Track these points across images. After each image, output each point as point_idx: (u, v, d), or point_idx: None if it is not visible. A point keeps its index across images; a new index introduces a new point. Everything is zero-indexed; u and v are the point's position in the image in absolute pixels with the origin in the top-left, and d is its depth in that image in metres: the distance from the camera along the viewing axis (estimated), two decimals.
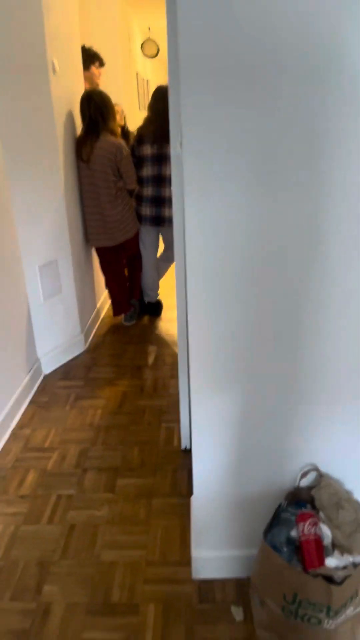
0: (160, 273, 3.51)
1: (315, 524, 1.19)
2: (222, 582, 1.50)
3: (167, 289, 3.69)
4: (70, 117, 2.78)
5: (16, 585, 1.51)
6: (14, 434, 2.23)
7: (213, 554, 1.48)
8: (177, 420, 2.28)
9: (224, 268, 1.13)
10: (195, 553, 1.49)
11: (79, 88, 2.99)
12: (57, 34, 2.53)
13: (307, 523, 1.19)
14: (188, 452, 2.07)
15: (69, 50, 2.77)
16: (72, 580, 1.52)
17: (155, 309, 3.55)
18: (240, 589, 1.48)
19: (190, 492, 1.85)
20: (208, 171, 1.04)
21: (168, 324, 3.42)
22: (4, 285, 2.27)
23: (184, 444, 2.09)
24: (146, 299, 3.54)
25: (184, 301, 1.81)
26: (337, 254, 1.10)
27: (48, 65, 2.39)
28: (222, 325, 1.20)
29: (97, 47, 3.50)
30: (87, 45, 3.23)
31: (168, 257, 3.47)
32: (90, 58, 3.20)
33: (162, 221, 3.12)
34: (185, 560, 1.57)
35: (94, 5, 4.27)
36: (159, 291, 3.57)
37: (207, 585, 1.49)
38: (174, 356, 2.94)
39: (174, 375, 2.71)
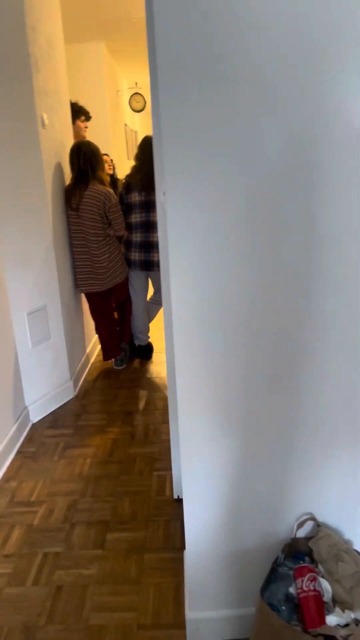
0: (150, 316, 3.51)
1: (314, 579, 1.13)
2: None
3: (157, 332, 3.68)
4: (59, 167, 2.84)
5: None
6: None
7: (209, 614, 1.40)
8: (169, 468, 2.21)
9: (210, 314, 1.12)
10: (189, 614, 1.40)
11: (68, 140, 3.08)
12: (46, 90, 2.63)
13: (306, 578, 1.13)
14: (181, 502, 1.99)
15: (58, 105, 2.87)
16: None
17: (146, 352, 3.53)
18: None
19: (184, 545, 1.77)
20: (191, 222, 1.05)
21: (159, 366, 3.39)
22: None
23: (177, 492, 2.02)
24: (137, 342, 3.52)
25: (172, 345, 1.79)
26: (329, 294, 1.10)
27: (37, 120, 2.47)
28: (210, 372, 1.17)
29: (86, 102, 3.64)
30: (74, 100, 3.36)
31: (157, 300, 3.48)
32: (75, 113, 3.32)
33: (151, 265, 3.14)
34: (180, 622, 1.48)
35: (82, 62, 4.48)
36: (150, 334, 3.56)
37: None
38: (166, 400, 2.89)
39: (166, 421, 2.65)
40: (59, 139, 2.86)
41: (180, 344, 1.16)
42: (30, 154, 2.47)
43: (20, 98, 2.36)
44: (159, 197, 1.54)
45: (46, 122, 2.60)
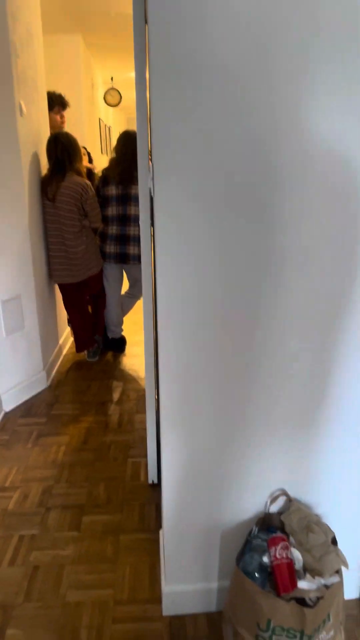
0: (124, 310, 3.54)
1: (286, 548, 1.21)
2: (194, 618, 1.46)
3: (130, 325, 3.72)
4: (35, 157, 2.84)
5: None
6: None
7: (184, 587, 1.46)
8: (144, 455, 2.26)
9: (192, 306, 1.18)
10: (166, 588, 1.46)
11: (45, 131, 3.08)
12: (25, 78, 2.63)
13: (279, 547, 1.21)
14: (155, 486, 2.05)
15: (35, 94, 2.87)
16: (37, 623, 1.44)
17: (119, 345, 3.56)
18: (212, 623, 1.45)
19: (158, 526, 1.82)
20: (177, 209, 1.10)
21: (132, 359, 3.43)
22: None
23: (151, 478, 2.07)
24: (110, 335, 3.54)
25: (151, 337, 1.84)
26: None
27: (16, 107, 2.46)
28: (190, 356, 1.23)
29: (62, 93, 3.62)
30: (50, 91, 3.33)
31: (133, 294, 3.51)
32: (50, 103, 3.29)
33: (126, 258, 3.17)
34: (155, 597, 1.53)
35: (58, 53, 4.46)
36: (123, 327, 3.59)
37: (178, 622, 1.45)
38: (138, 391, 2.93)
39: (139, 411, 2.70)
40: (36, 129, 2.86)
41: (164, 333, 1.21)
42: (8, 142, 2.46)
43: None
44: (142, 189, 1.58)
45: (24, 110, 2.59)
